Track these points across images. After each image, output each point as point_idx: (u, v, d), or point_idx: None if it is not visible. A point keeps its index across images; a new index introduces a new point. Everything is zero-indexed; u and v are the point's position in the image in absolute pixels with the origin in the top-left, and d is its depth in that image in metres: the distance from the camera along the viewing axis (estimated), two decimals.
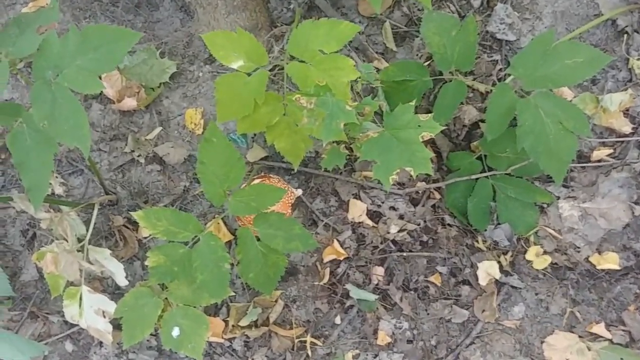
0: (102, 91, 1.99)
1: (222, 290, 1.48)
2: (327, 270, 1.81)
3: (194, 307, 1.56)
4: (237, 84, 1.62)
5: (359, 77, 1.58)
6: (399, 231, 1.82)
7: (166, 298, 1.57)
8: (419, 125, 1.51)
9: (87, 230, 1.67)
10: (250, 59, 1.61)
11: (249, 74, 1.62)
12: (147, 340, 1.78)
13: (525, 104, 1.63)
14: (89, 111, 1.98)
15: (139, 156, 1.93)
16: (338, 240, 1.84)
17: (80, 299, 1.64)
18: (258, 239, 1.50)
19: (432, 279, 1.81)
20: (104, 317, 1.66)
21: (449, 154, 1.92)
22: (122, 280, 1.64)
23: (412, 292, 1.80)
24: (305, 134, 1.71)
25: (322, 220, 1.87)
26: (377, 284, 1.80)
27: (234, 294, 1.64)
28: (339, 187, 1.91)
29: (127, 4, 2.12)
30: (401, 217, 1.86)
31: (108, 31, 1.34)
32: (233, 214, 1.47)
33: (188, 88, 2.04)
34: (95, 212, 1.68)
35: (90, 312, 1.65)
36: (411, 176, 1.89)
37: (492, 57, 2.03)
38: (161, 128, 1.97)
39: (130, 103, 1.96)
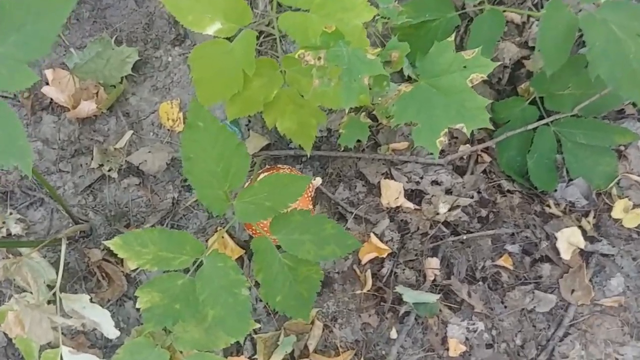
0: (51, 99, 1.63)
1: (244, 325, 1.13)
2: (369, 273, 1.46)
3: (211, 351, 1.21)
4: (218, 53, 1.27)
5: (377, 16, 1.22)
6: (449, 210, 1.47)
7: (172, 345, 1.22)
8: (465, 67, 1.16)
9: (57, 274, 1.30)
10: (229, 19, 1.26)
11: (230, 39, 1.26)
12: None
13: (590, 20, 1.29)
14: (39, 125, 1.62)
15: (109, 170, 1.57)
16: (375, 234, 1.48)
17: None
18: (279, 248, 1.15)
19: (501, 262, 1.46)
20: None
21: (493, 104, 1.57)
22: (111, 331, 1.28)
23: (480, 283, 1.45)
24: (314, 105, 1.36)
25: (351, 212, 1.51)
26: (434, 280, 1.45)
27: (258, 325, 1.29)
28: (364, 168, 1.56)
29: None
30: (448, 191, 1.51)
31: (32, 3, 0.99)
32: (241, 220, 1.11)
33: (157, 78, 1.67)
34: (63, 248, 1.32)
35: None
36: (451, 139, 1.54)
37: None
38: (132, 132, 1.60)
39: (88, 107, 1.60)
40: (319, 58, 1.14)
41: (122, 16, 1.73)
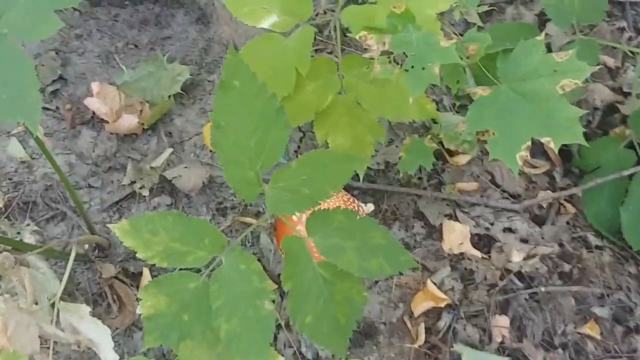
0: (93, 113, 1.55)
1: (263, 347, 0.92)
2: (422, 327, 1.22)
3: None
4: (271, 50, 1.17)
5: (455, 4, 1.09)
6: (525, 258, 1.24)
7: None
8: (555, 71, 1.01)
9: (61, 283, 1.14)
10: (286, 12, 1.16)
11: (286, 35, 1.16)
12: None
13: None
14: (76, 139, 1.52)
15: (141, 188, 1.43)
16: (433, 282, 1.26)
17: None
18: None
19: (586, 328, 1.20)
20: None
21: (581, 148, 1.37)
22: (109, 354, 1.08)
23: (559, 350, 1.19)
24: (373, 118, 1.20)
25: None
26: (502, 342, 1.20)
27: (282, 357, 1.06)
28: (425, 207, 1.37)
29: (131, 18, 1.72)
30: (524, 241, 1.29)
31: None
32: (273, 211, 0.93)
33: (207, 102, 1.57)
34: (72, 255, 1.16)
35: None
36: (528, 184, 1.34)
37: (614, 24, 1.53)
38: (172, 150, 1.48)
39: (130, 122, 1.50)
40: (383, 43, 1.01)
41: (181, 45, 1.67)
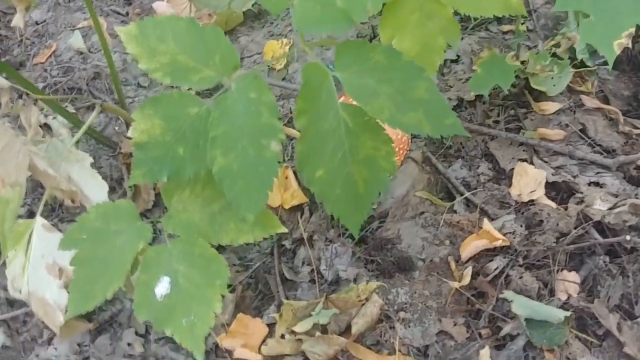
0: None
1: (260, 193, 0.76)
2: (468, 270, 1.01)
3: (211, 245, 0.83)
4: None
5: None
6: (609, 209, 1.01)
7: (154, 222, 0.87)
8: None
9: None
10: None
11: None
12: (128, 345, 1.02)
13: None
14: None
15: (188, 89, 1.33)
16: (491, 223, 1.05)
17: (30, 242, 0.97)
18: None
19: None
20: (60, 279, 0.97)
21: None
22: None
23: (638, 320, 0.93)
24: (448, 13, 1.04)
25: (462, 194, 1.11)
26: (566, 301, 0.96)
27: (285, 230, 0.86)
28: (497, 149, 1.17)
29: None
30: (613, 195, 1.06)
31: None
32: (300, 27, 0.78)
33: (277, 26, 1.48)
34: (95, 112, 1.05)
35: (39, 268, 0.96)
36: (627, 140, 1.12)
37: None
38: None
39: None
40: None
41: None
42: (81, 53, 1.44)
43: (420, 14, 1.04)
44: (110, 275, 0.83)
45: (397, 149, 0.99)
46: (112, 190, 1.23)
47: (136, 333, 1.03)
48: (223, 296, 0.81)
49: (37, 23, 1.56)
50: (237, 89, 0.78)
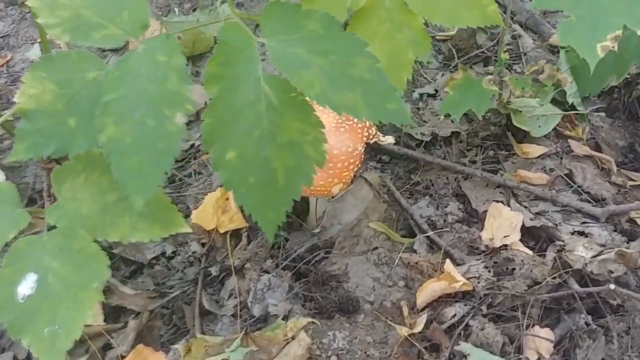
0: None
1: (155, 175, 0.62)
2: (424, 318, 0.84)
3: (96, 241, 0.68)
4: None
5: None
6: (593, 257, 0.86)
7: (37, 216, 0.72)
8: None
9: None
10: None
11: None
12: None
13: None
14: None
15: None
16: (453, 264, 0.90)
17: None
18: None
19: None
20: None
21: None
22: None
23: None
24: (418, 24, 0.93)
25: (425, 233, 0.96)
26: None
27: (188, 231, 0.70)
28: (470, 189, 1.03)
29: None
30: (599, 245, 0.91)
31: None
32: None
33: None
34: None
35: None
36: (619, 189, 0.99)
37: None
38: None
39: None
40: None
41: None
42: None
43: (390, 25, 0.94)
44: None
45: (346, 163, 0.86)
46: (32, 201, 1.09)
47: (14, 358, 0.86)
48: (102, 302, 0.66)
49: None
50: (144, 49, 0.66)
